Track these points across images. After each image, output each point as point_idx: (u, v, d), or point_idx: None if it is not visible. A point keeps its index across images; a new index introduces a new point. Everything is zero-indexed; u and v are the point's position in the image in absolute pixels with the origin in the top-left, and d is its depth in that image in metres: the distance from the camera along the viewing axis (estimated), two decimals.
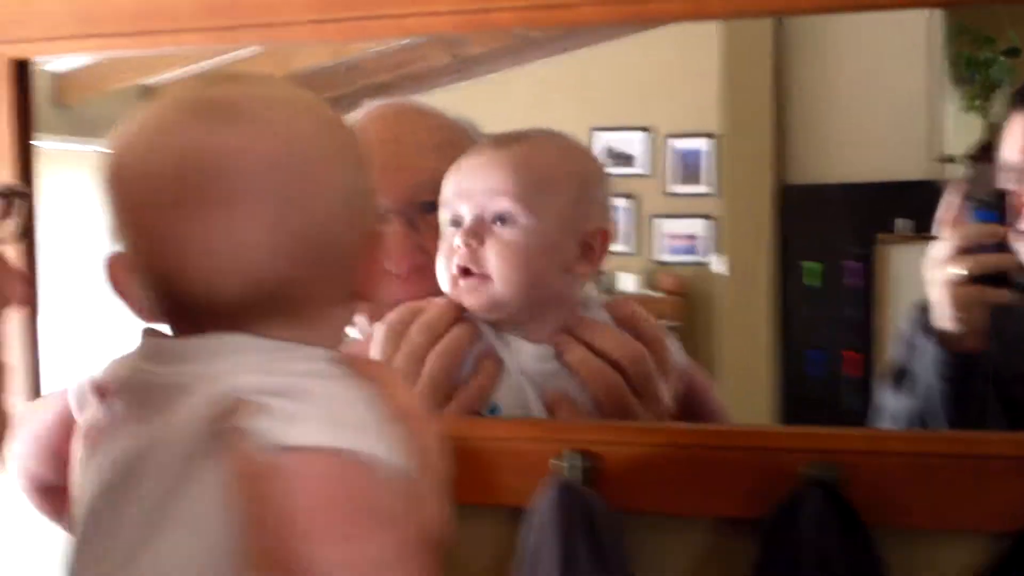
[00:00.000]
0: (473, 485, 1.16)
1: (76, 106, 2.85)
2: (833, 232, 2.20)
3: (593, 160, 1.24)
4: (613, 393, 1.12)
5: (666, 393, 1.14)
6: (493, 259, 1.13)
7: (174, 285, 0.80)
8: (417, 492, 0.79)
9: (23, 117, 1.26)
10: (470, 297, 1.15)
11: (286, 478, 0.72)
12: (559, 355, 1.15)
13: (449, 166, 1.22)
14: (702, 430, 1.15)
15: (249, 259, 0.78)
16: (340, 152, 0.84)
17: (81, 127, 3.00)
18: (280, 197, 0.78)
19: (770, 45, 2.10)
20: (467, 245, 1.14)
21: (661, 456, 1.12)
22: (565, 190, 1.15)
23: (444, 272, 1.18)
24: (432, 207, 1.24)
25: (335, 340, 0.86)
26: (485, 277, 1.14)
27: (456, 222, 1.17)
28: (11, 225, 0.87)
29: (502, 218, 1.14)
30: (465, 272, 1.15)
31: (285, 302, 0.80)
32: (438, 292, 1.27)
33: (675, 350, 1.18)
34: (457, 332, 1.16)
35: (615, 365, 1.12)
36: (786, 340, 2.11)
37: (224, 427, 0.74)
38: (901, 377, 1.27)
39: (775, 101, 2.13)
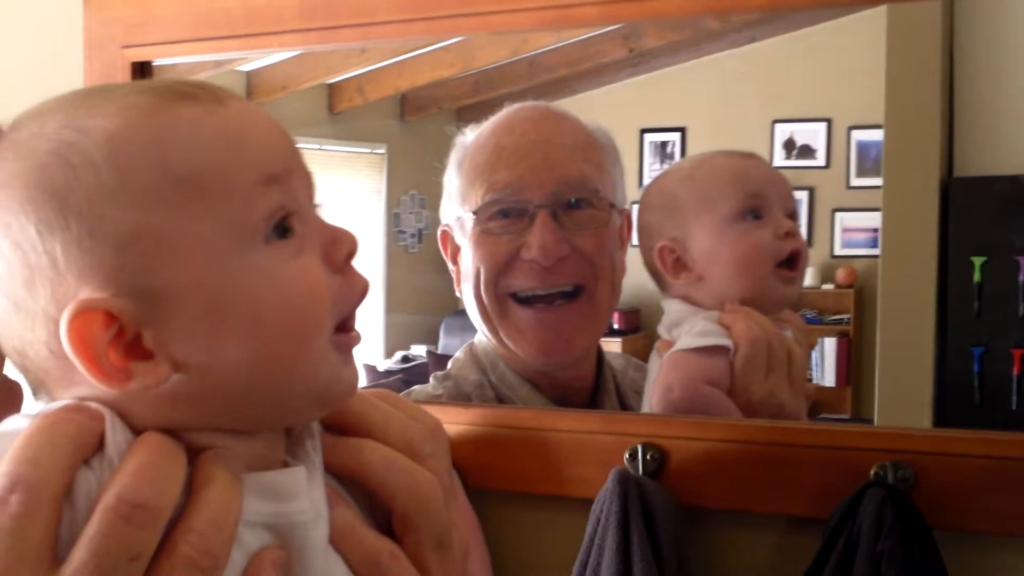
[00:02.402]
0: (551, 477, 1.18)
1: (267, 103, 2.99)
2: (1003, 226, 2.11)
3: None
4: None
5: None
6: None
7: None
8: None
9: None
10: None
11: None
12: None
13: (589, 167, 1.34)
14: (774, 427, 1.14)
15: None
16: None
17: None
18: None
19: (939, 28, 2.03)
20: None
21: (732, 452, 1.11)
22: None
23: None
24: (576, 204, 1.36)
25: None
26: None
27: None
28: None
29: None
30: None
31: None
32: (578, 282, 1.35)
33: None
34: None
35: None
36: (951, 337, 2.04)
37: None
38: None
39: (944, 89, 2.06)
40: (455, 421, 1.22)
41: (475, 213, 1.43)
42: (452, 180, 1.51)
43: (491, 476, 1.20)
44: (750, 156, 1.45)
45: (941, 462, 1.02)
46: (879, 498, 0.99)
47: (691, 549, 1.10)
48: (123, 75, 1.34)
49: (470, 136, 1.51)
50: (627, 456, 1.13)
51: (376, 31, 1.26)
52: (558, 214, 1.41)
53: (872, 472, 1.03)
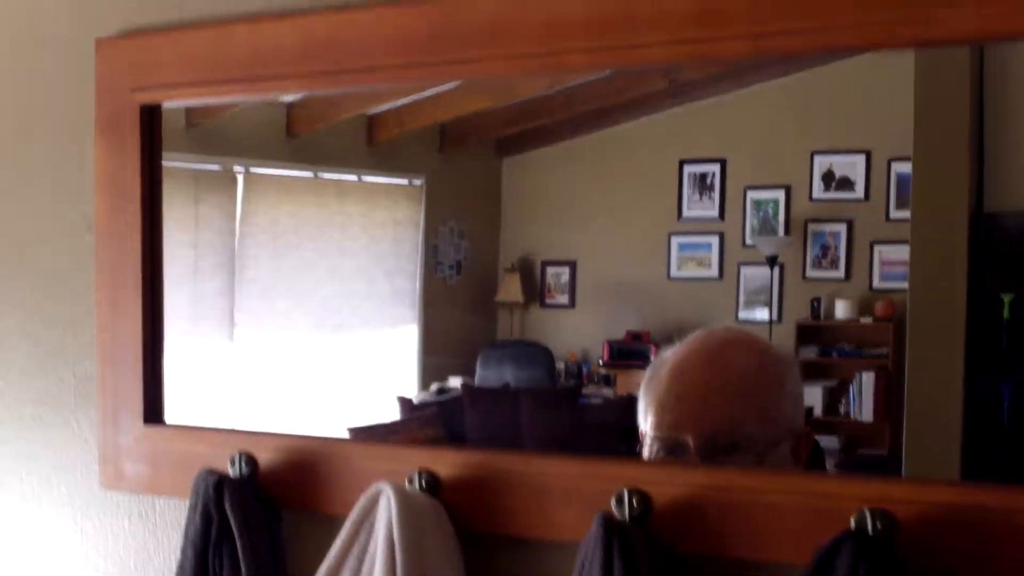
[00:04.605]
0: (536, 520, 1.19)
1: (304, 135, 3.03)
2: None
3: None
4: None
5: None
6: None
7: None
8: None
9: (151, 158, 1.38)
10: None
11: None
12: None
13: (750, 413, 1.36)
14: (756, 475, 1.14)
15: None
16: None
17: (310, 156, 3.21)
18: None
19: (967, 64, 2.02)
20: None
21: (716, 499, 1.12)
22: None
23: None
24: (728, 450, 1.38)
25: None
26: None
27: None
28: None
29: None
30: None
31: None
32: None
33: None
34: None
35: None
36: (980, 374, 2.02)
37: None
38: None
39: (973, 124, 2.05)
40: (448, 463, 1.23)
41: (646, 442, 1.48)
42: (642, 391, 1.56)
43: (482, 519, 1.22)
44: None
45: (920, 511, 1.01)
46: (853, 548, 0.99)
47: None
48: (132, 118, 1.38)
49: (667, 354, 1.54)
50: (614, 501, 1.13)
51: (378, 75, 1.28)
52: (711, 457, 1.44)
53: (852, 520, 1.02)
